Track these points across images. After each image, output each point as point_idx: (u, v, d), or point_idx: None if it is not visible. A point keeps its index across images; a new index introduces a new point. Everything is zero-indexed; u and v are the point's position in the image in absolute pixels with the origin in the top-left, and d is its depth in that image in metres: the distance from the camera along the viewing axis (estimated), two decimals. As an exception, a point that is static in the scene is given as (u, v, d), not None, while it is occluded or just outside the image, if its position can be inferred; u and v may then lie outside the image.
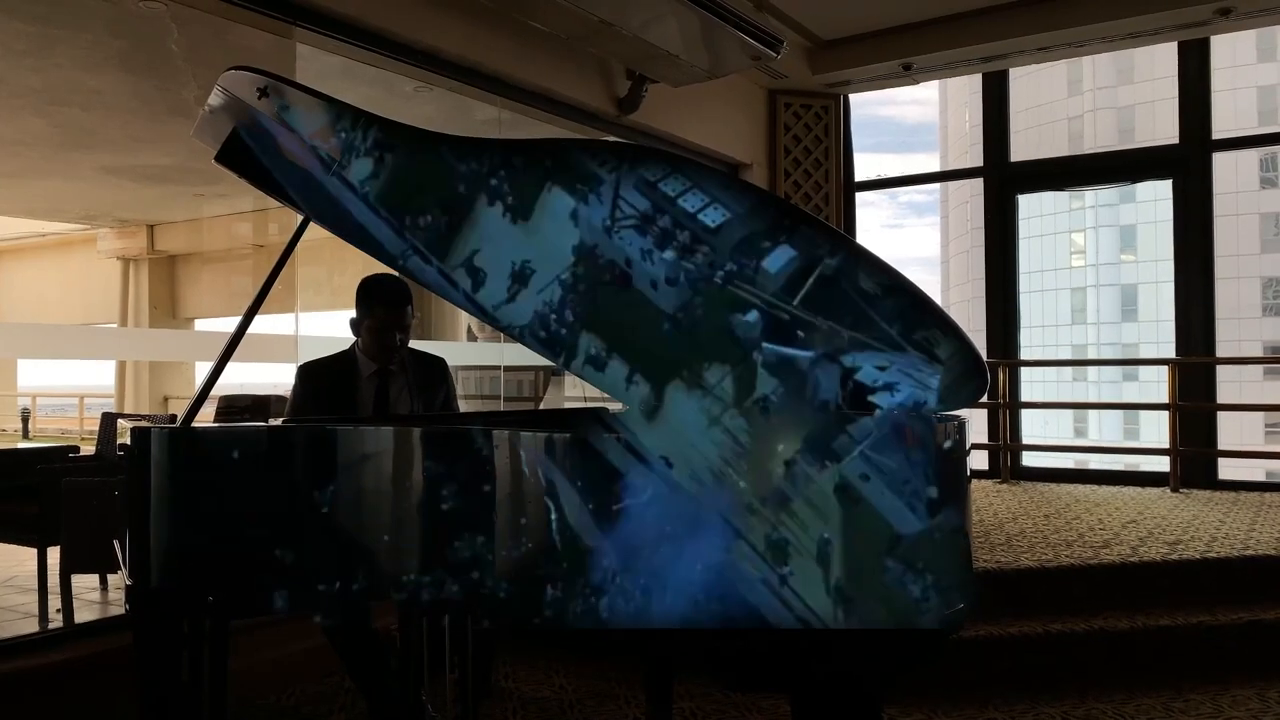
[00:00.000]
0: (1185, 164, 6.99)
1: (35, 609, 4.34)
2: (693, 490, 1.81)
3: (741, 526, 1.80)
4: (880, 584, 1.79)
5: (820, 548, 1.78)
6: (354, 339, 3.16)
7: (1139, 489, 6.76)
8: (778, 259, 1.86)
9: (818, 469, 1.79)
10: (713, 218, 1.87)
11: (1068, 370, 33.20)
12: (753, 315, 1.85)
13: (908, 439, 1.81)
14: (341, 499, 1.96)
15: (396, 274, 2.94)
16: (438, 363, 3.31)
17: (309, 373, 3.16)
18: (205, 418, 2.53)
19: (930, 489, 1.80)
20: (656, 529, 1.82)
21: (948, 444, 1.84)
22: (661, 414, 1.85)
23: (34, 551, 4.39)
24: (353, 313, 3.11)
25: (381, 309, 3.05)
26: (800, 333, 1.84)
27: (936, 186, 37.20)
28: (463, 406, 6.43)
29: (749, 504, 1.80)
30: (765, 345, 1.84)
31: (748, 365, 1.84)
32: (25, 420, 12.84)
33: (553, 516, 1.86)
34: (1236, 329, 30.81)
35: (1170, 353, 7.03)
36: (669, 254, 1.87)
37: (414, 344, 3.26)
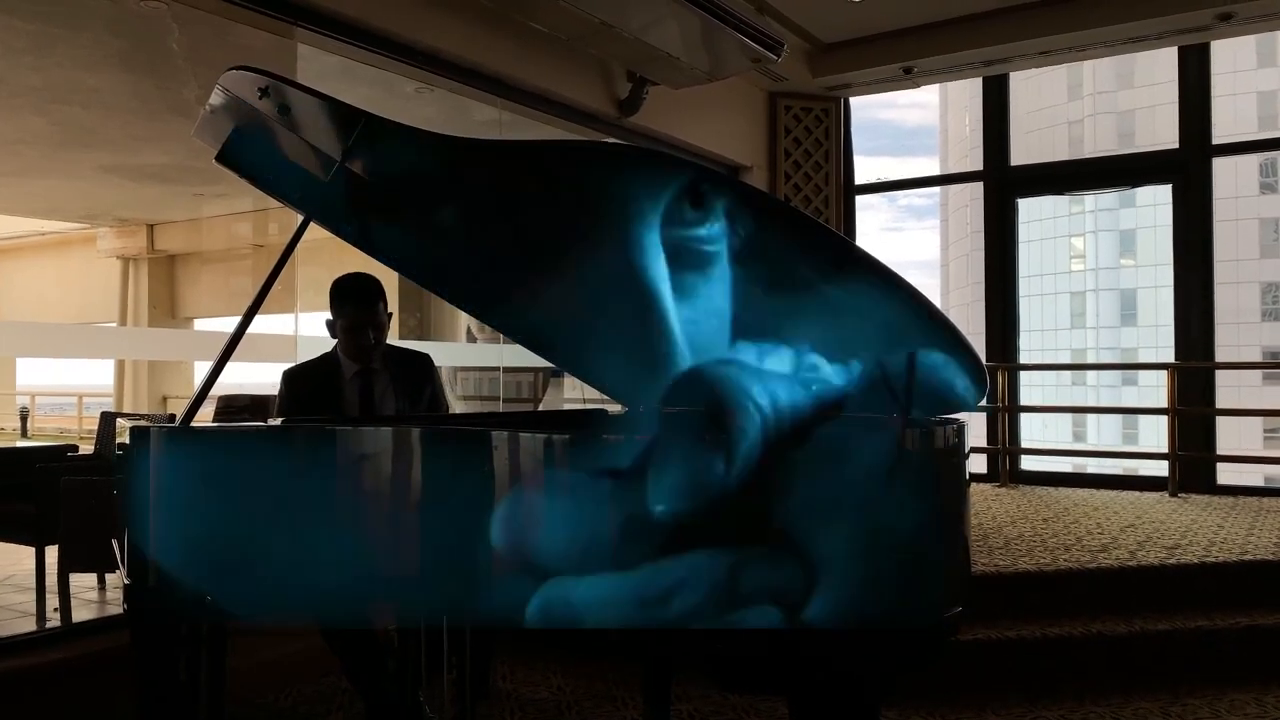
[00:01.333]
0: (1185, 169, 6.99)
1: (33, 608, 4.33)
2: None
3: (742, 535, 1.79)
4: (881, 588, 1.78)
5: (821, 556, 1.77)
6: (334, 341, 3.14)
7: (1138, 493, 6.75)
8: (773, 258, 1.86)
9: (820, 478, 1.79)
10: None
11: (1067, 374, 33.17)
12: (738, 316, 1.86)
13: (909, 447, 1.81)
14: (339, 498, 1.96)
15: (366, 272, 2.94)
16: (421, 359, 3.28)
17: (293, 378, 3.16)
18: (204, 417, 2.53)
19: (931, 496, 1.80)
20: (659, 535, 1.81)
21: (948, 450, 1.84)
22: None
23: (32, 550, 4.39)
24: (328, 315, 3.10)
25: (351, 308, 3.03)
26: (797, 335, 1.84)
27: (936, 190, 37.08)
28: (462, 407, 6.43)
29: (749, 511, 1.79)
30: (755, 340, 1.85)
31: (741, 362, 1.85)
32: (24, 419, 12.80)
33: (549, 521, 1.85)
34: (1236, 334, 30.75)
35: (1169, 357, 7.03)
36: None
37: (405, 343, 3.24)
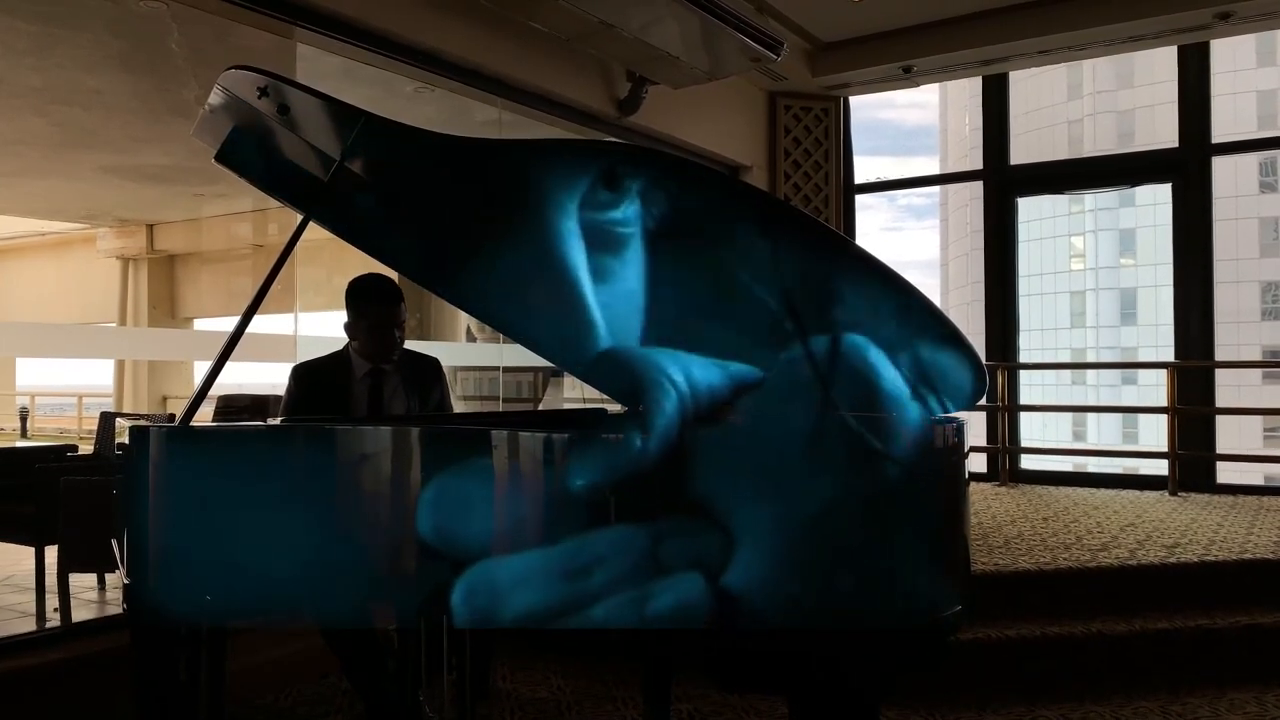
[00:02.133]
0: (1185, 168, 6.99)
1: (33, 608, 4.33)
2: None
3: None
4: (876, 586, 1.78)
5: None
6: (348, 340, 3.15)
7: (1137, 492, 6.76)
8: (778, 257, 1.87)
9: (817, 472, 1.79)
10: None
11: (1067, 373, 33.18)
12: (751, 309, 1.86)
13: (906, 442, 1.81)
14: (340, 499, 1.96)
15: (382, 274, 2.95)
16: (432, 363, 3.31)
17: (302, 374, 3.17)
18: (204, 417, 2.53)
19: (929, 492, 1.80)
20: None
21: (946, 447, 1.84)
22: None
23: (32, 550, 4.39)
24: (345, 316, 3.10)
25: (377, 307, 3.06)
26: (796, 333, 1.85)
27: (936, 190, 37.15)
28: (462, 407, 6.43)
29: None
30: (760, 339, 1.85)
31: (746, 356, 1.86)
32: (24, 419, 12.80)
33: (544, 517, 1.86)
34: (1235, 333, 30.75)
35: (1169, 356, 7.03)
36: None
37: (409, 344, 3.25)
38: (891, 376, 1.83)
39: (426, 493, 1.85)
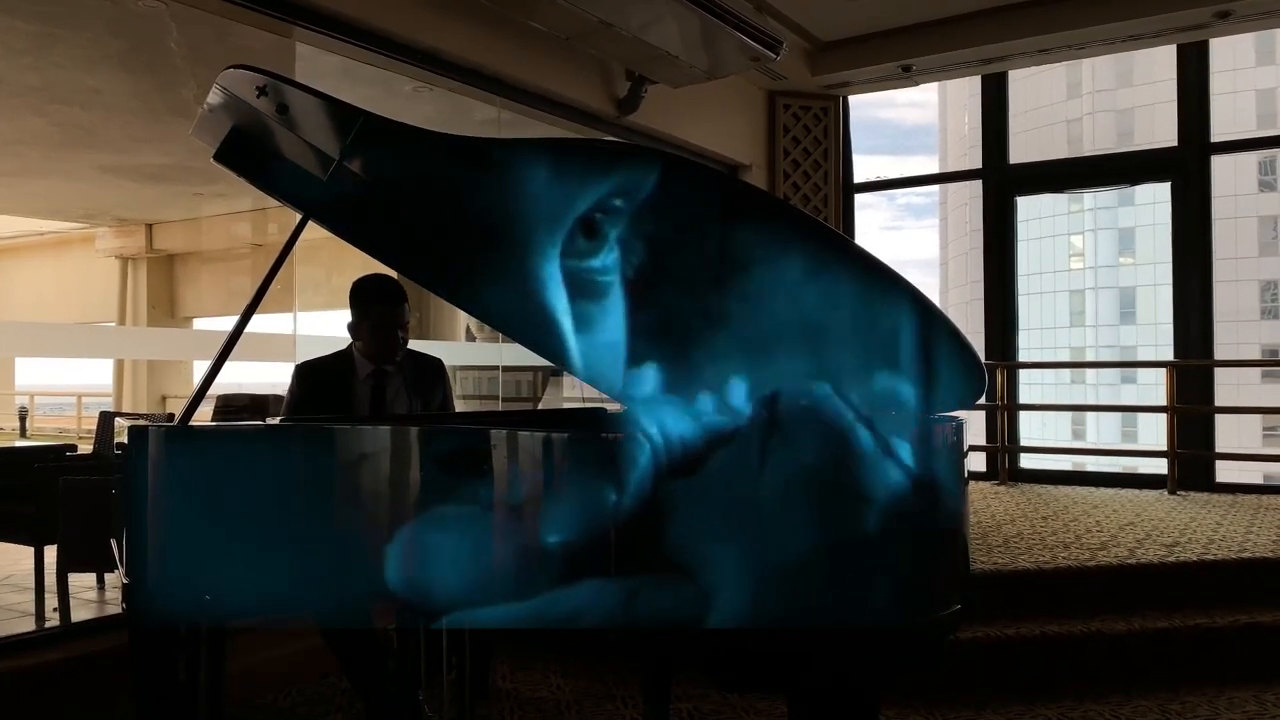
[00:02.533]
0: (1184, 167, 6.99)
1: (32, 608, 4.33)
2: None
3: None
4: (874, 585, 1.78)
5: (818, 549, 1.77)
6: (351, 341, 3.15)
7: (1137, 491, 6.76)
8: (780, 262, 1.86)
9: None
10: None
11: (1066, 372, 33.19)
12: (746, 311, 1.86)
13: (906, 441, 1.80)
14: (339, 499, 1.95)
15: (386, 275, 2.96)
16: (435, 364, 3.32)
17: (305, 373, 3.17)
18: (203, 416, 2.53)
19: (928, 491, 1.79)
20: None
21: (945, 446, 1.84)
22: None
23: (31, 550, 4.39)
24: (349, 317, 3.10)
25: (381, 307, 3.06)
26: (795, 333, 1.85)
27: (935, 189, 37.25)
28: (461, 406, 6.43)
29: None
30: (763, 339, 1.85)
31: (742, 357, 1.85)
32: (23, 419, 12.80)
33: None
34: (1235, 332, 30.74)
35: (1168, 355, 7.03)
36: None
37: (412, 344, 3.26)
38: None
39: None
